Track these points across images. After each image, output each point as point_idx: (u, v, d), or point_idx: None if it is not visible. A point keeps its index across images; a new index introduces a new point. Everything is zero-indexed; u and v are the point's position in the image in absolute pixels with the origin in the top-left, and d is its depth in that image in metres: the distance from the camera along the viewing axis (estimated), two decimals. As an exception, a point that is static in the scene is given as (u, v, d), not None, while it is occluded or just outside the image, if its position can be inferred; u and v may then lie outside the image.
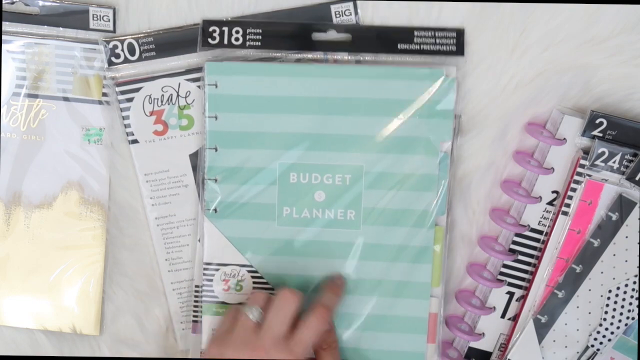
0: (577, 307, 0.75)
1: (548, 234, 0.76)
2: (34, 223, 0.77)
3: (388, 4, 0.75)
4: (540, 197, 0.75)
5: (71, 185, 0.77)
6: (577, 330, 0.76)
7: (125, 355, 0.80)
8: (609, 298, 0.75)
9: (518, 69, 0.76)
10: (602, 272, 0.75)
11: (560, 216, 0.75)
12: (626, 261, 0.74)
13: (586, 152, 0.74)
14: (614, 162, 0.74)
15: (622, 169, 0.74)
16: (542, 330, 0.76)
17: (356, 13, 0.75)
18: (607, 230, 0.74)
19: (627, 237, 0.74)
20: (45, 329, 0.78)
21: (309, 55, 0.75)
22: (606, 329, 0.75)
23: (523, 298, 0.77)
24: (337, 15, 0.74)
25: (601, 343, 0.76)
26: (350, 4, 0.74)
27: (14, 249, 0.77)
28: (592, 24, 0.75)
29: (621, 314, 0.75)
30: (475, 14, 0.75)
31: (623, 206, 0.74)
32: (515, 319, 0.77)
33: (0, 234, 0.77)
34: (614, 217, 0.74)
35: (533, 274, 0.76)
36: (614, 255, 0.74)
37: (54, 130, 0.76)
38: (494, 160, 0.77)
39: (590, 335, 0.76)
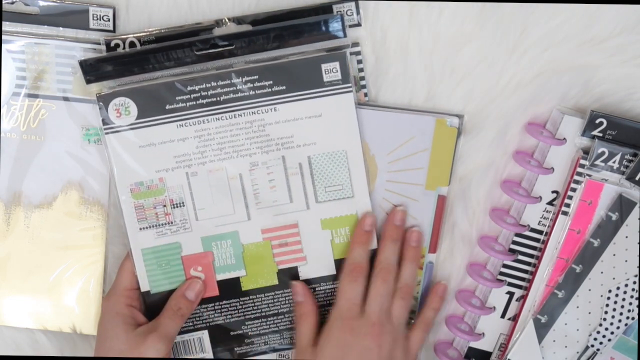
0: (577, 307, 0.75)
1: (548, 234, 0.76)
2: (34, 223, 0.77)
3: (389, 4, 0.75)
4: (540, 197, 0.76)
5: (71, 185, 0.77)
6: (577, 330, 0.76)
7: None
8: (609, 298, 0.75)
9: (518, 69, 0.76)
10: (602, 272, 0.75)
11: (560, 216, 0.75)
12: (626, 261, 0.74)
13: (586, 152, 0.74)
14: (614, 162, 0.74)
15: (622, 169, 0.74)
16: (542, 330, 0.76)
17: (358, 13, 0.75)
18: (607, 230, 0.74)
19: (627, 237, 0.74)
20: (45, 329, 0.78)
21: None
22: (606, 329, 0.76)
23: (523, 298, 0.77)
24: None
25: (601, 343, 0.76)
26: (352, 4, 0.74)
27: (14, 249, 0.77)
28: (592, 24, 0.75)
29: (621, 314, 0.75)
30: (475, 14, 0.75)
31: (623, 206, 0.74)
32: (515, 319, 0.77)
33: (0, 234, 0.77)
34: (614, 217, 0.74)
35: (533, 274, 0.76)
36: (614, 255, 0.74)
37: (54, 130, 0.76)
38: (494, 160, 0.77)
39: (590, 335, 0.76)
